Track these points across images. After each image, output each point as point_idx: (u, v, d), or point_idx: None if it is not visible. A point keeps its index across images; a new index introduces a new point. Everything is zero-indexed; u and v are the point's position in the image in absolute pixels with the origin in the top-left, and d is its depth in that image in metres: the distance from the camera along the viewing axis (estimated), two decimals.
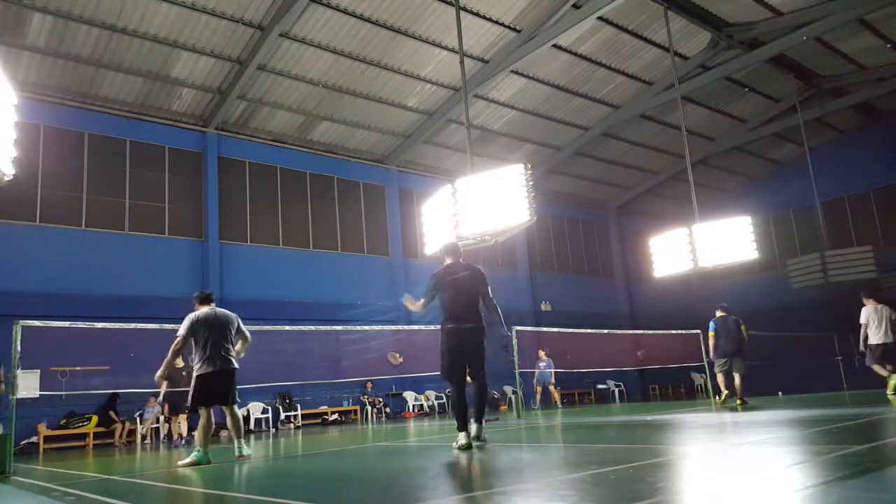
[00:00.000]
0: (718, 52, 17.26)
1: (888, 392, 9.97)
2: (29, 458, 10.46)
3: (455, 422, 5.89)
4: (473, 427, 5.87)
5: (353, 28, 14.37)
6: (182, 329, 6.66)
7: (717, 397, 11.33)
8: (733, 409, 9.96)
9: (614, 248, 25.52)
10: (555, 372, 17.30)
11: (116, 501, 4.39)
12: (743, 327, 11.15)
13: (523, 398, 14.47)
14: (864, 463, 3.78)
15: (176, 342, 6.66)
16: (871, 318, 10.31)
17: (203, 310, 6.86)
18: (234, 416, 6.84)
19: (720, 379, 11.11)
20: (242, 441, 6.77)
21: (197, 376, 6.63)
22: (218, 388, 6.69)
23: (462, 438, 5.69)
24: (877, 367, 10.27)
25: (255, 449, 9.36)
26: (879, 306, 10.40)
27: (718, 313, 11.27)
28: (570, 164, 21.89)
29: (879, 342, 10.13)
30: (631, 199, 25.44)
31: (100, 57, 13.68)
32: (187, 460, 6.40)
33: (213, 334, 6.70)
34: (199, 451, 6.45)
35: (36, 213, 13.66)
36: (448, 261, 6.46)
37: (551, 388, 17.35)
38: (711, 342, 11.18)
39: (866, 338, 10.27)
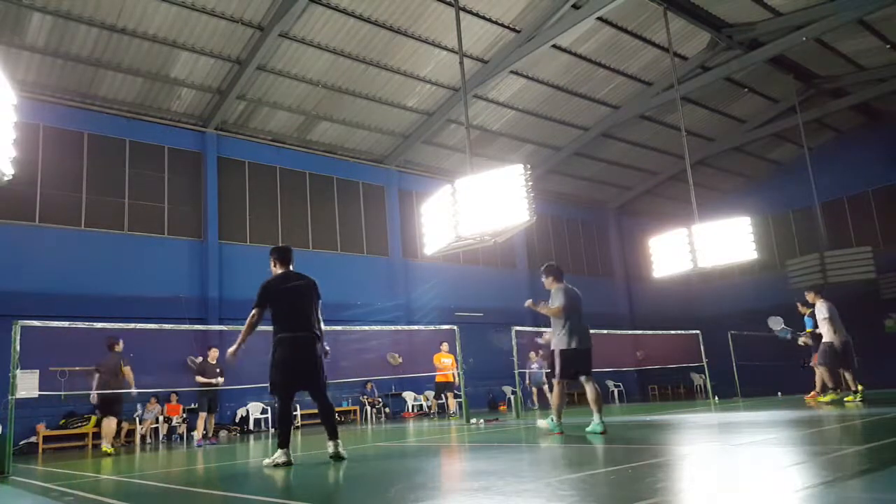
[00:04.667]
0: (718, 53, 17.26)
1: (826, 399, 9.92)
2: (28, 459, 10.46)
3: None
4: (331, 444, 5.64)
5: (352, 28, 14.37)
6: (561, 301, 6.86)
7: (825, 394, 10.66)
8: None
9: (614, 249, 25.53)
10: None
11: (115, 502, 4.38)
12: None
13: (522, 398, 14.47)
14: (864, 463, 3.78)
15: (558, 315, 6.88)
16: (834, 314, 10.19)
17: (567, 286, 7.06)
18: (596, 390, 6.82)
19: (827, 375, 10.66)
20: (601, 416, 6.74)
21: (562, 351, 6.84)
22: (584, 362, 6.91)
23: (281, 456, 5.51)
24: (824, 370, 10.15)
25: (254, 450, 9.35)
26: (830, 304, 10.34)
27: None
28: (570, 164, 21.89)
29: (844, 339, 10.07)
30: (630, 199, 25.45)
31: (99, 57, 13.67)
32: (545, 426, 7.02)
33: (580, 312, 6.98)
34: (553, 419, 6.92)
35: (35, 213, 13.65)
36: (279, 269, 6.11)
37: (545, 388, 17.33)
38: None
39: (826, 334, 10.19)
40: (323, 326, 5.98)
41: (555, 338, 6.91)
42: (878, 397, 10.50)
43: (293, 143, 17.67)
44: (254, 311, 5.88)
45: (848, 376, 10.09)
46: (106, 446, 9.99)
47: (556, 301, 6.87)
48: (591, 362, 6.91)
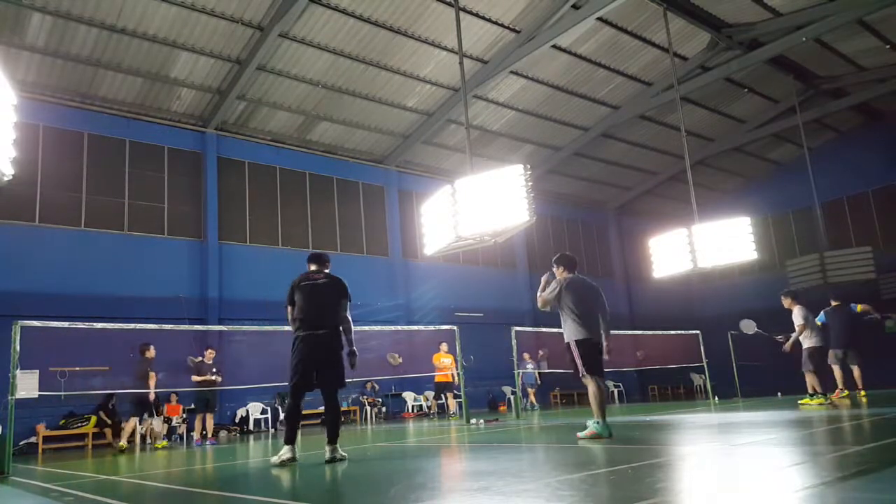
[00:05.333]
0: (718, 53, 17.26)
1: (815, 402, 9.83)
2: (28, 459, 10.46)
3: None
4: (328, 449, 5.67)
5: (352, 28, 14.37)
6: (551, 293, 6.58)
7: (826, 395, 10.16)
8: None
9: (614, 249, 25.53)
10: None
11: (115, 502, 4.38)
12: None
13: (522, 399, 14.47)
14: (864, 463, 3.78)
15: (542, 304, 6.59)
16: (809, 319, 10.20)
17: (572, 277, 6.69)
18: (599, 388, 6.35)
19: (837, 373, 10.55)
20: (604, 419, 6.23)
21: (578, 341, 6.39)
22: (599, 357, 6.43)
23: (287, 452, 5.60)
24: (812, 377, 10.09)
25: (253, 450, 9.35)
26: (807, 310, 10.32)
27: (833, 303, 10.82)
28: (570, 164, 21.89)
29: (817, 345, 10.09)
30: (630, 199, 25.45)
31: (99, 57, 13.67)
32: (587, 432, 6.14)
33: (589, 300, 6.56)
34: (598, 422, 6.17)
35: (35, 214, 13.64)
36: (312, 267, 6.20)
37: (531, 390, 17.30)
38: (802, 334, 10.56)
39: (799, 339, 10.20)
40: (352, 327, 5.99)
41: (566, 330, 6.53)
42: (878, 397, 10.50)
43: (293, 143, 17.67)
44: (287, 310, 6.05)
45: (810, 379, 10.12)
46: (123, 442, 10.55)
47: (548, 293, 6.63)
48: (601, 359, 6.51)
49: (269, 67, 14.96)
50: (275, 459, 5.66)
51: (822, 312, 10.86)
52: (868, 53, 17.90)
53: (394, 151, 19.09)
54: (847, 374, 10.61)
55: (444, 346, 14.95)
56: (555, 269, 6.88)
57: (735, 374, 16.17)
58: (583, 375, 6.39)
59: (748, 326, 12.39)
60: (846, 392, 10.53)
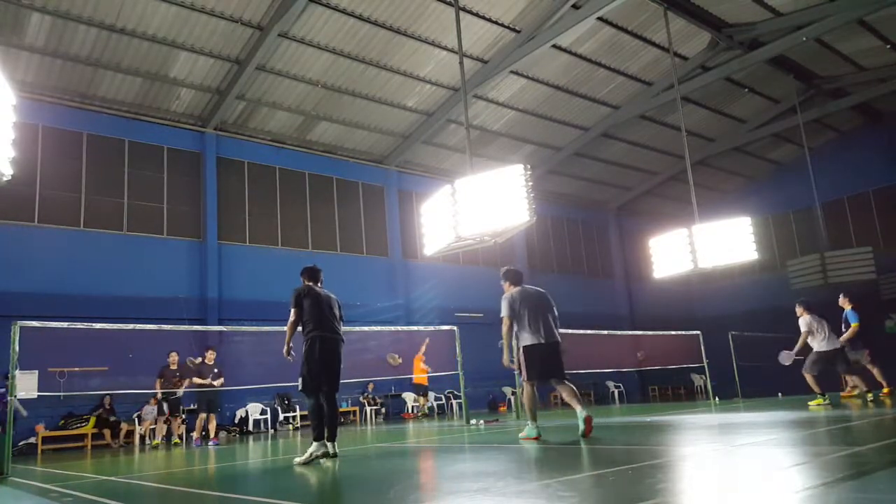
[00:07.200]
0: (718, 53, 17.26)
1: (814, 403, 9.87)
2: (27, 460, 10.43)
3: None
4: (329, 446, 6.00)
5: (352, 28, 14.36)
6: (504, 310, 6.71)
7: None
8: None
9: (614, 249, 25.51)
10: None
11: (113, 502, 4.37)
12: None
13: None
14: (865, 464, 3.76)
15: (507, 331, 6.66)
16: (814, 328, 10.30)
17: (518, 289, 6.83)
18: (569, 389, 6.49)
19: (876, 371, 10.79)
20: (583, 406, 6.34)
21: (525, 347, 6.59)
22: (551, 361, 6.59)
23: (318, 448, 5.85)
24: (811, 379, 10.16)
25: (253, 451, 9.33)
26: (817, 317, 10.41)
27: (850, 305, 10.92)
28: (570, 164, 21.88)
29: (828, 349, 10.15)
30: (630, 199, 25.43)
31: (98, 57, 13.66)
32: (523, 435, 6.50)
33: (533, 309, 6.67)
34: (529, 423, 6.53)
35: (34, 214, 13.63)
36: (307, 282, 6.53)
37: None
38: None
39: (804, 345, 10.32)
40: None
41: (518, 339, 6.72)
42: (878, 398, 10.48)
43: (292, 143, 17.65)
44: (292, 312, 6.24)
45: (811, 381, 10.19)
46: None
47: (502, 312, 6.76)
48: (560, 361, 6.62)
49: (269, 67, 14.95)
50: (301, 459, 5.78)
51: (851, 310, 10.84)
52: (868, 53, 17.90)
53: (394, 151, 19.07)
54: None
55: (422, 354, 15.57)
56: (503, 284, 6.99)
57: (736, 375, 16.15)
58: (524, 380, 6.70)
59: (787, 357, 12.42)
60: (868, 392, 10.58)
